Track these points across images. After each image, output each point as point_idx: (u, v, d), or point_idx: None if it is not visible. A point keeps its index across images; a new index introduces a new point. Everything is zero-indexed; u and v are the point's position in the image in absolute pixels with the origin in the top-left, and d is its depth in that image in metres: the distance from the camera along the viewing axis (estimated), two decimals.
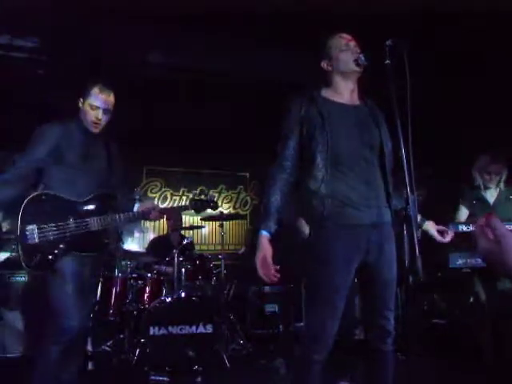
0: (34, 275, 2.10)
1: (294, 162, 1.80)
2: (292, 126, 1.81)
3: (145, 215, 2.32)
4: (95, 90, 2.23)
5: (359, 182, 1.75)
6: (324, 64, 1.87)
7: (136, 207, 2.40)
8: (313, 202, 1.75)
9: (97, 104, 2.22)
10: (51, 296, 2.08)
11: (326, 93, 1.87)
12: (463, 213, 3.28)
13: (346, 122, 1.79)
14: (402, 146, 1.56)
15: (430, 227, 2.00)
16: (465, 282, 3.32)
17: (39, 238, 2.05)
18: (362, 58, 1.76)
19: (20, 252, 2.03)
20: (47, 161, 2.15)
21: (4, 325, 3.51)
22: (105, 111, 2.25)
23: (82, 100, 2.26)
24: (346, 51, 1.82)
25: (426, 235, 1.96)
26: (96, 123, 2.23)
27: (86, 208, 2.18)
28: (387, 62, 1.60)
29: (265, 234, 1.73)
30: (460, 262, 2.96)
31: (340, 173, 1.74)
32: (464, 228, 2.96)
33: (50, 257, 2.05)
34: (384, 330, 1.78)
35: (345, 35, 1.86)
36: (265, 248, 1.71)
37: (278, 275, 1.69)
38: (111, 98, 2.28)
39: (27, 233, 2.03)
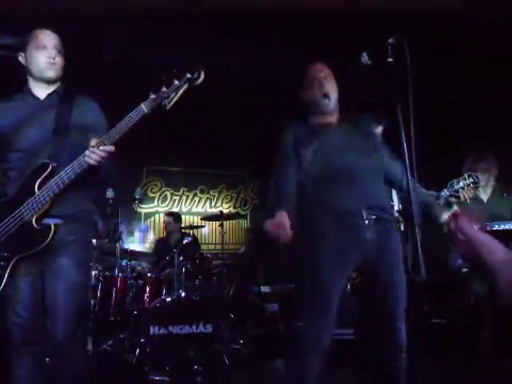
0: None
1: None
2: (284, 150, 1.91)
3: (82, 166, 1.65)
4: (36, 32, 1.82)
5: (351, 191, 1.77)
6: (302, 94, 1.99)
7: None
8: (304, 211, 1.78)
9: (44, 43, 1.80)
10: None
11: (313, 118, 1.96)
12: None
13: (333, 140, 1.86)
14: (405, 147, 1.56)
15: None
16: (465, 282, 3.31)
17: None
18: (366, 57, 1.77)
19: None
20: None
21: None
22: (57, 50, 1.82)
23: (22, 54, 1.83)
24: (310, 87, 1.92)
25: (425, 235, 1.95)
26: (51, 63, 1.81)
27: (18, 196, 1.70)
28: (389, 59, 1.61)
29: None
30: (460, 261, 2.96)
31: (331, 183, 1.78)
32: None
33: None
34: (394, 341, 1.71)
35: (315, 67, 1.96)
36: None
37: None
38: (56, 37, 1.85)
39: None
